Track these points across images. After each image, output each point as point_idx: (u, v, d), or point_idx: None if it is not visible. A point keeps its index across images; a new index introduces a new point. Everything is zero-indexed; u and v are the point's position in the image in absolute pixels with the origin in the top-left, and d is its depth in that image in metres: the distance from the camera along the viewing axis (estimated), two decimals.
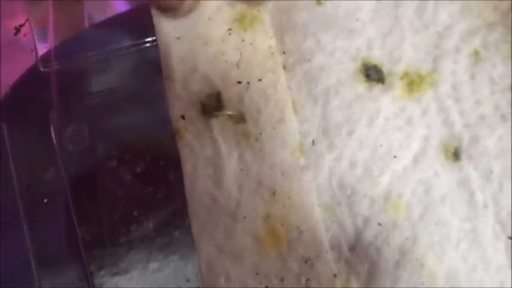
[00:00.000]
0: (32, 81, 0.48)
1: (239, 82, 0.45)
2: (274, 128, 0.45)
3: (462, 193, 0.45)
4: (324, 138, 0.45)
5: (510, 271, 0.43)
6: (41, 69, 0.47)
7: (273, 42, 0.47)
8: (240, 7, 0.46)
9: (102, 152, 0.48)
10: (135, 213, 0.44)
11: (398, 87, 0.46)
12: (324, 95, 0.46)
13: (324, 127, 0.45)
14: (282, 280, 0.40)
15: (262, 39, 0.47)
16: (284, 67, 0.46)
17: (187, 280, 0.42)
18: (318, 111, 0.46)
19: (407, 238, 0.43)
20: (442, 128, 0.46)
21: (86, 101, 0.46)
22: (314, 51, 0.47)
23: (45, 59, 0.46)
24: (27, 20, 0.47)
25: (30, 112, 0.46)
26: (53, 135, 0.44)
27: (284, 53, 0.47)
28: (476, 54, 0.47)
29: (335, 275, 0.40)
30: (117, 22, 0.49)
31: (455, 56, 0.47)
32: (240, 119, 0.45)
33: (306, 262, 0.42)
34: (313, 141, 0.45)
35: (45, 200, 0.45)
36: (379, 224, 0.43)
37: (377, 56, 0.47)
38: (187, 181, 0.42)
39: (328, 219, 0.44)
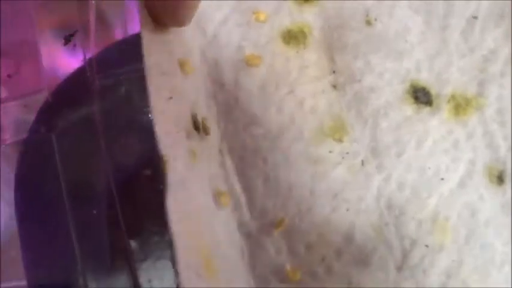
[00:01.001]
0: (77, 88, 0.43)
1: None
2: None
3: (506, 216, 0.44)
4: (373, 159, 0.44)
5: None
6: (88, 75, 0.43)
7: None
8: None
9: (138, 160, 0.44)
10: None
11: (445, 110, 0.45)
12: (373, 115, 0.44)
13: (373, 148, 0.44)
14: None
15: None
16: (334, 86, 0.45)
17: None
18: (368, 132, 0.44)
19: (453, 260, 0.43)
20: (486, 152, 0.45)
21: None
22: (364, 72, 0.45)
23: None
24: (76, 31, 0.45)
25: (77, 121, 0.40)
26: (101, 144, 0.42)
27: (334, 72, 0.45)
28: None
29: None
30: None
31: (501, 80, 0.46)
32: None
33: None
34: (362, 161, 0.44)
35: (94, 212, 0.43)
36: (426, 245, 0.42)
37: (425, 78, 0.45)
38: None
39: (376, 239, 0.42)
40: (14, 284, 0.43)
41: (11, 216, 0.44)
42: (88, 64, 0.44)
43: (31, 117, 0.45)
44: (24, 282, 0.42)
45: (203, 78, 0.44)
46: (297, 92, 0.44)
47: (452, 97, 0.45)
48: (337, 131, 0.44)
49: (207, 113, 0.43)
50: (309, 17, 0.45)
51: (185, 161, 0.38)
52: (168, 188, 0.36)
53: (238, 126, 0.43)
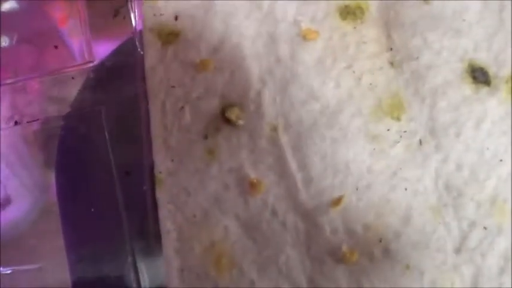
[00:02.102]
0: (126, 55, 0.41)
1: None
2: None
3: None
4: (431, 139, 0.40)
5: None
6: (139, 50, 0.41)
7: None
8: None
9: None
10: None
11: (503, 91, 0.41)
12: (431, 94, 0.40)
13: (431, 127, 0.40)
14: None
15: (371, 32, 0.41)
16: (391, 64, 0.41)
17: None
18: (426, 111, 0.40)
19: None
20: None
21: None
22: (421, 49, 0.41)
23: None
24: (127, 2, 0.41)
25: (124, 93, 0.39)
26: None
27: (391, 49, 0.41)
28: None
29: None
30: None
31: None
32: None
33: None
34: (420, 140, 0.40)
35: (145, 187, 0.39)
36: (485, 228, 0.39)
37: (483, 58, 0.41)
38: None
39: (435, 220, 0.39)
40: (28, 267, 0.39)
41: (33, 203, 0.40)
42: (138, 37, 0.40)
43: (55, 93, 0.41)
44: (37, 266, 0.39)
45: (255, 54, 0.41)
46: (355, 67, 0.41)
47: (511, 78, 0.41)
48: (395, 109, 0.40)
49: (261, 88, 0.40)
50: None
51: (193, 167, 0.39)
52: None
53: (295, 101, 0.39)
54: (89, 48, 0.39)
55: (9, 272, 0.38)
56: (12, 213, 0.39)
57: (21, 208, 0.40)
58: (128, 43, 0.39)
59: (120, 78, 0.38)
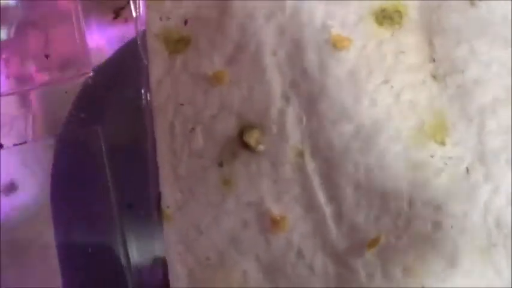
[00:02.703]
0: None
1: None
2: None
3: None
4: (480, 166, 0.33)
5: None
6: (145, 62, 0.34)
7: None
8: None
9: None
10: None
11: None
12: (479, 113, 0.34)
13: (479, 153, 0.33)
14: None
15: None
16: (434, 77, 0.34)
17: None
18: (473, 133, 0.34)
19: None
20: None
21: None
22: (468, 60, 0.34)
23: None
24: (128, 2, 0.34)
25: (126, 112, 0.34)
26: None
27: (434, 60, 0.34)
28: None
29: None
30: None
31: None
32: None
33: None
34: (467, 168, 0.33)
35: (151, 223, 0.33)
36: None
37: None
38: None
39: (483, 263, 0.32)
40: None
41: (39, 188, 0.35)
42: (141, 43, 0.34)
43: None
44: None
45: (278, 65, 0.34)
46: (393, 81, 0.34)
47: None
48: (439, 130, 0.33)
49: (284, 106, 0.33)
50: None
51: (205, 201, 0.33)
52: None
53: (325, 122, 0.33)
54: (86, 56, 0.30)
55: None
56: (18, 199, 0.36)
57: (27, 194, 0.36)
58: (129, 51, 0.31)
59: (120, 93, 0.31)
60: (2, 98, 0.32)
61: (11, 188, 0.36)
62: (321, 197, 0.31)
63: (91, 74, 0.32)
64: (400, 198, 0.32)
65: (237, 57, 0.32)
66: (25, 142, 0.33)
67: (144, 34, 0.34)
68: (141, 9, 0.32)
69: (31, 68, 0.37)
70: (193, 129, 0.32)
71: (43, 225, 0.35)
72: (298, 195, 0.32)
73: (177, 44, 0.33)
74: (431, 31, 0.34)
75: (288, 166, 0.31)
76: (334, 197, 0.31)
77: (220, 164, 0.31)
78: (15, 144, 0.33)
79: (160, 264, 0.32)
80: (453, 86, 0.33)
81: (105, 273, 0.31)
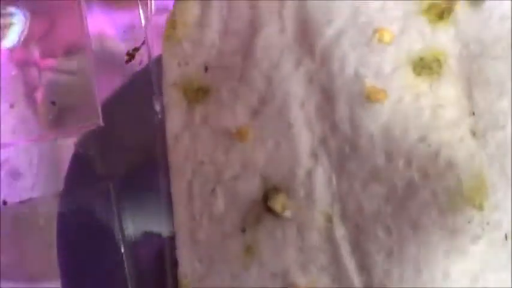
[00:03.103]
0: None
1: None
2: None
3: None
4: None
5: None
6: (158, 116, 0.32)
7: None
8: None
9: None
10: None
11: None
12: None
13: None
14: None
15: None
16: (473, 133, 0.31)
17: None
18: None
19: None
20: None
21: None
22: (509, 115, 0.31)
23: None
24: (143, 43, 0.32)
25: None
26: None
27: (473, 114, 0.32)
28: None
29: None
30: None
31: None
32: None
33: None
34: (505, 235, 0.31)
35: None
36: None
37: None
38: None
39: None
40: None
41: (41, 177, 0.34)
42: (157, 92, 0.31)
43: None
44: None
45: (306, 118, 0.31)
46: (430, 139, 0.31)
47: None
48: (478, 193, 0.31)
49: (313, 166, 0.31)
50: (444, 39, 0.32)
51: (226, 270, 0.30)
52: None
53: (355, 183, 0.31)
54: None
55: None
56: (21, 188, 0.35)
57: (30, 183, 0.35)
58: (143, 98, 0.27)
59: (131, 147, 0.27)
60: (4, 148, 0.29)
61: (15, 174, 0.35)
62: (351, 266, 0.29)
63: (101, 123, 0.28)
64: (434, 267, 0.30)
65: (262, 110, 0.30)
66: (29, 200, 0.29)
67: (157, 64, 0.30)
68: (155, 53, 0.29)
69: (35, 53, 0.35)
70: (213, 190, 0.29)
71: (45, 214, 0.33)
72: (326, 264, 0.29)
73: (197, 93, 0.30)
74: (471, 81, 0.31)
75: (316, 233, 0.29)
76: (364, 266, 0.29)
77: (243, 230, 0.28)
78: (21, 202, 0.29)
79: None
80: (493, 144, 0.31)
81: None
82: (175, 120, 0.30)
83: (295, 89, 0.30)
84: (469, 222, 0.29)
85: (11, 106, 0.35)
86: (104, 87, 0.31)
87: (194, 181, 0.29)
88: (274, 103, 0.30)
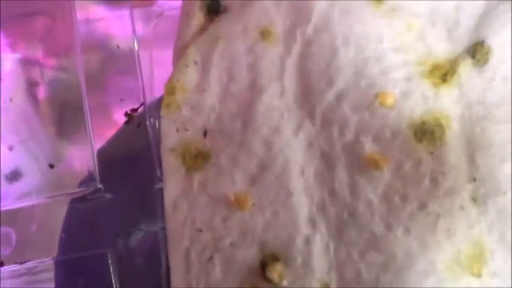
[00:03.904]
0: None
1: None
2: None
3: None
4: None
5: None
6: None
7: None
8: None
9: None
10: None
11: None
12: None
13: None
14: None
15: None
16: (474, 200, 0.31)
17: None
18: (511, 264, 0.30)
19: None
20: None
21: None
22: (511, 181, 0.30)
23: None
24: (142, 103, 0.34)
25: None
26: None
27: (474, 179, 0.31)
28: None
29: None
30: None
31: None
32: None
33: None
34: None
35: None
36: None
37: None
38: None
39: None
40: None
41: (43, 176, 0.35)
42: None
43: None
44: None
45: (305, 186, 0.31)
46: (430, 207, 0.31)
47: None
48: (476, 261, 0.31)
49: (311, 233, 0.31)
50: (448, 102, 0.32)
51: None
52: None
53: (353, 251, 0.30)
54: None
55: None
56: (22, 187, 0.36)
57: (32, 181, 0.36)
58: (141, 162, 0.27)
59: (127, 216, 0.27)
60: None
61: (16, 175, 0.36)
62: None
63: (100, 186, 0.28)
64: None
65: (261, 177, 0.29)
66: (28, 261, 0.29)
67: (155, 113, 0.30)
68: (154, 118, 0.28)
69: (38, 51, 0.36)
70: (211, 258, 0.29)
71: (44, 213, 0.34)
72: None
73: (195, 159, 0.30)
74: (473, 146, 0.31)
75: None
76: None
77: None
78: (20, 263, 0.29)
79: None
80: (494, 211, 0.31)
81: None
82: (173, 188, 0.29)
83: (295, 154, 0.29)
84: None
85: (11, 100, 0.35)
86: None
87: (192, 248, 0.29)
88: (273, 169, 0.29)
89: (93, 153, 0.30)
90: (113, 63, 0.35)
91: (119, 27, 0.36)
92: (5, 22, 0.37)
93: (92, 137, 0.31)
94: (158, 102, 0.31)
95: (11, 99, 0.36)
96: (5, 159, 0.36)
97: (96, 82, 0.35)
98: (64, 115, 0.36)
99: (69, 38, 0.37)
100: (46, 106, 0.37)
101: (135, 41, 0.33)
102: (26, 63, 0.38)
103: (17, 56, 0.38)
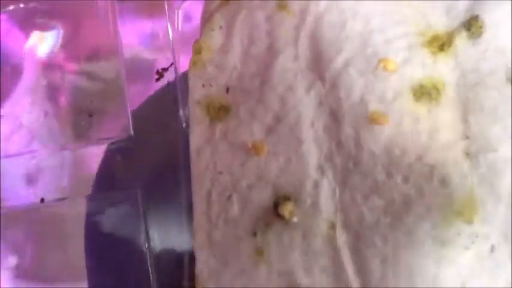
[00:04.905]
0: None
1: None
2: None
3: None
4: (505, 245, 0.34)
5: None
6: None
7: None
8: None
9: None
10: None
11: None
12: (508, 194, 0.34)
13: (505, 232, 0.34)
14: None
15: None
16: (466, 155, 0.35)
17: None
18: (501, 213, 0.34)
19: None
20: None
21: None
22: (501, 139, 0.34)
23: None
24: (171, 64, 0.37)
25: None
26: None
27: (467, 137, 0.35)
28: None
29: None
30: None
31: None
32: None
33: None
34: (492, 246, 0.34)
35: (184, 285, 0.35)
36: None
37: None
38: None
39: None
40: None
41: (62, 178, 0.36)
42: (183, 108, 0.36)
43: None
44: None
45: (315, 137, 0.35)
46: (427, 159, 0.34)
47: None
48: (468, 209, 0.34)
49: (319, 178, 0.34)
50: (444, 69, 0.35)
51: (238, 268, 0.34)
52: None
53: (357, 195, 0.34)
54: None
55: None
56: (41, 189, 0.37)
57: (51, 183, 0.37)
58: (169, 114, 0.31)
59: (158, 158, 0.31)
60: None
61: (33, 178, 0.37)
62: (350, 269, 0.32)
63: (132, 133, 0.33)
64: (425, 274, 0.33)
65: (276, 128, 0.33)
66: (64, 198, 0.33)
67: (183, 81, 0.35)
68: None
69: (59, 56, 0.37)
70: (230, 197, 0.33)
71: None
72: (327, 266, 0.33)
73: (218, 111, 0.34)
74: (467, 108, 0.34)
75: (319, 238, 0.32)
76: (362, 270, 0.33)
77: (254, 234, 0.32)
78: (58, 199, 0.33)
79: None
80: (485, 165, 0.34)
81: None
82: (198, 136, 0.34)
83: (306, 110, 0.34)
84: (459, 234, 0.33)
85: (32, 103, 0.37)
86: (133, 96, 0.34)
87: (213, 189, 0.33)
88: (287, 122, 0.34)
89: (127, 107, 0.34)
90: None
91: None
92: (27, 26, 0.39)
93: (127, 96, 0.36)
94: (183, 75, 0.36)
95: (32, 103, 0.38)
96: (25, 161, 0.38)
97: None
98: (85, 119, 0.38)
99: (92, 42, 0.39)
100: (67, 110, 0.38)
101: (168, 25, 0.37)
102: (48, 67, 0.39)
103: (39, 59, 0.39)
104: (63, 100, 0.38)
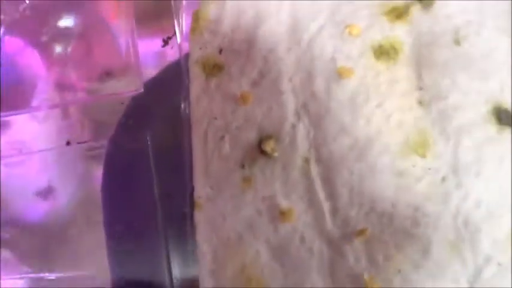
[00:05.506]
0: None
1: None
2: None
3: None
4: (453, 177, 0.40)
5: None
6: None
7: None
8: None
9: None
10: None
11: None
12: (456, 133, 0.40)
13: (454, 165, 0.40)
14: None
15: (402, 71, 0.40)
16: (420, 103, 0.41)
17: None
18: (450, 150, 0.40)
19: None
20: None
21: None
22: (450, 90, 0.41)
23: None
24: (174, 34, 0.43)
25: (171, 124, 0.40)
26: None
27: (421, 89, 0.41)
28: None
29: None
30: None
31: None
32: None
33: None
34: (443, 177, 0.40)
35: (185, 210, 0.41)
36: (499, 264, 0.38)
37: (508, 100, 0.40)
38: None
39: (452, 254, 0.39)
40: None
41: (74, 192, 0.40)
42: (183, 63, 0.42)
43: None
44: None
45: (293, 89, 0.42)
46: (386, 106, 0.41)
47: None
48: (421, 146, 0.40)
49: (296, 122, 0.41)
50: (401, 33, 0.42)
51: (229, 193, 0.40)
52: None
53: (328, 135, 0.40)
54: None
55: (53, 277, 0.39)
56: (54, 203, 0.40)
57: (63, 198, 0.40)
58: (172, 70, 0.40)
59: (165, 105, 0.40)
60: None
61: (49, 191, 0.39)
62: (321, 195, 0.39)
63: (142, 90, 0.41)
64: (386, 199, 0.39)
65: (260, 82, 0.41)
66: (85, 141, 0.40)
67: (186, 58, 0.42)
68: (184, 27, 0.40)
69: (72, 76, 0.40)
70: (222, 137, 0.40)
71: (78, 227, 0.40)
72: (303, 193, 0.40)
73: (213, 69, 0.42)
74: (421, 64, 0.41)
75: (296, 170, 0.39)
76: (332, 195, 0.39)
77: (242, 167, 0.40)
78: (80, 142, 0.40)
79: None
80: (436, 111, 0.40)
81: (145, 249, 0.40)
82: (196, 87, 0.42)
83: (286, 67, 0.41)
84: (413, 166, 0.39)
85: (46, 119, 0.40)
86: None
87: (208, 130, 0.41)
88: (269, 76, 0.41)
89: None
90: None
91: None
92: (42, 44, 0.41)
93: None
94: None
95: (45, 118, 0.40)
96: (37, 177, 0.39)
97: None
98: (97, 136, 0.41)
99: (104, 62, 0.42)
100: (79, 127, 0.41)
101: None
102: (61, 85, 0.41)
103: (52, 78, 0.41)
104: (75, 115, 0.41)
